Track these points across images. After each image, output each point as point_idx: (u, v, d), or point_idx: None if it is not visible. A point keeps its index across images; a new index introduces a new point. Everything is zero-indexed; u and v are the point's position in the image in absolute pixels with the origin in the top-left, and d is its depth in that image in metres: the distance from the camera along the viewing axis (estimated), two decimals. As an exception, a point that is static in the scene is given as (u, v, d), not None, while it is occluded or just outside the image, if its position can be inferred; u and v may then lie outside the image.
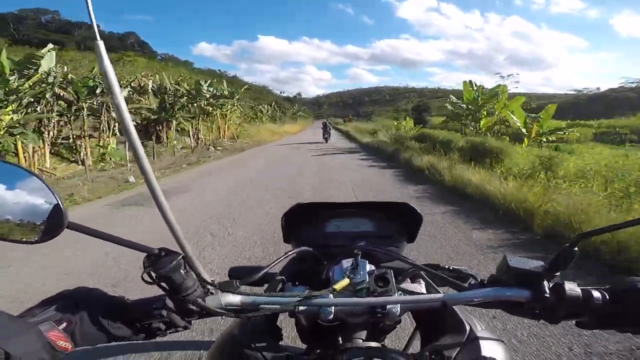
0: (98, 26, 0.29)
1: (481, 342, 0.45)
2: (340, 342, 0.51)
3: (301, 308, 0.45)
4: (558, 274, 0.43)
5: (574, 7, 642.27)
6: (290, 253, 0.57)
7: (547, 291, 0.42)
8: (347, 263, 0.50)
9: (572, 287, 0.42)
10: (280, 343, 0.50)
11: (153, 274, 0.39)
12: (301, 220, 0.66)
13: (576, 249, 0.41)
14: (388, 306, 0.44)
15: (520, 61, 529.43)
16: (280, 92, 70.66)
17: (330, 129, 15.49)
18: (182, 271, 0.40)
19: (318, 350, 0.56)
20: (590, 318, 0.42)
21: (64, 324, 0.36)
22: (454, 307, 0.49)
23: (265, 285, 0.56)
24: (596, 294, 0.41)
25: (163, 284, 0.39)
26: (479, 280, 0.49)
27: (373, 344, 0.49)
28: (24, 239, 0.34)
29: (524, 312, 0.45)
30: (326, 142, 14.39)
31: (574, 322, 0.43)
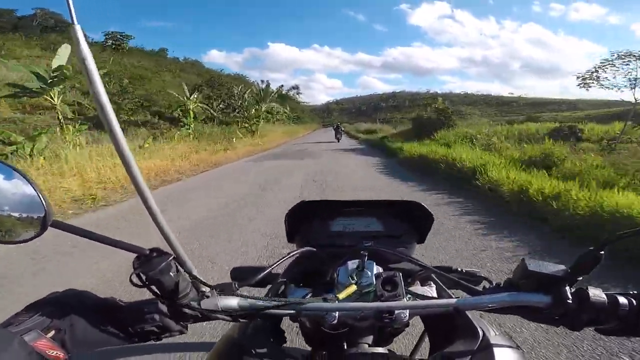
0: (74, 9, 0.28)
1: (495, 349, 0.45)
2: (345, 346, 0.53)
3: (304, 313, 0.47)
4: (581, 278, 0.44)
5: (594, 13, 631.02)
6: (293, 253, 0.58)
7: (570, 297, 0.43)
8: (352, 264, 0.52)
9: (597, 293, 0.42)
10: (283, 346, 0.52)
11: (143, 276, 0.39)
12: (306, 219, 0.68)
13: (603, 252, 0.41)
14: (396, 311, 0.45)
15: (536, 69, 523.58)
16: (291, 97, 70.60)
17: (342, 130, 21.85)
18: (172, 273, 0.40)
19: (324, 352, 0.55)
20: (614, 325, 0.43)
21: (53, 332, 0.36)
22: (467, 312, 0.49)
23: (268, 287, 0.57)
24: (622, 300, 0.42)
25: (153, 287, 0.40)
26: (494, 284, 0.51)
27: (379, 350, 0.51)
28: (8, 239, 0.35)
29: (542, 318, 0.46)
30: (338, 141, 19.93)
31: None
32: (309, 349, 0.59)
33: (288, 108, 37.71)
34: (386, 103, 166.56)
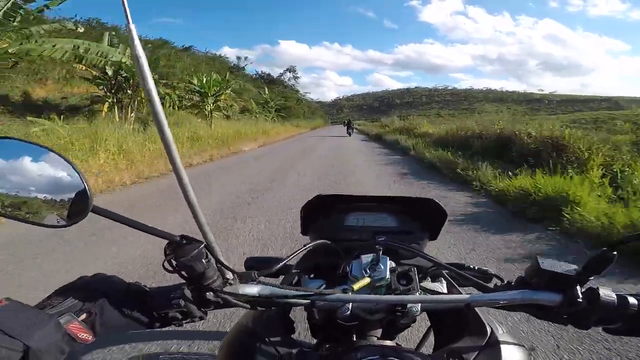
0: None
1: (502, 346, 0.48)
2: (354, 339, 0.57)
3: (318, 303, 0.50)
4: (592, 278, 0.46)
5: (614, 9, 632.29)
6: (309, 245, 0.61)
7: (580, 296, 0.45)
8: (366, 258, 0.54)
9: (607, 293, 0.45)
10: (291, 336, 0.55)
11: (174, 262, 0.42)
12: (320, 213, 0.71)
13: (615, 253, 0.43)
14: (409, 305, 0.49)
15: (554, 66, 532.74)
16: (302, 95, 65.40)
17: (353, 125, 25.19)
18: (203, 260, 0.43)
19: (327, 345, 0.62)
20: (623, 325, 0.45)
21: (84, 315, 0.39)
22: (476, 308, 0.53)
23: (281, 278, 0.61)
24: (632, 300, 0.44)
25: (183, 273, 0.43)
26: (505, 281, 0.54)
27: (388, 343, 0.55)
28: (49, 223, 0.37)
29: (552, 317, 0.49)
30: (350, 135, 22.72)
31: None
32: (315, 340, 0.64)
33: (267, 94, 30.75)
34: (400, 99, 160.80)
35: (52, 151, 0.38)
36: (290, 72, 53.35)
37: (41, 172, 0.37)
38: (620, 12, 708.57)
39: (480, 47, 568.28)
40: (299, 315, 0.64)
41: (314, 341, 0.65)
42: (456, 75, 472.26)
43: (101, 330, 0.40)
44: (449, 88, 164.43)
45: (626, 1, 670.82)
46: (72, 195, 0.37)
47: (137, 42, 0.32)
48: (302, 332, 0.65)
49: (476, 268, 0.61)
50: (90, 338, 0.38)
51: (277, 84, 46.43)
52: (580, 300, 0.45)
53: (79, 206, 0.37)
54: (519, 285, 0.51)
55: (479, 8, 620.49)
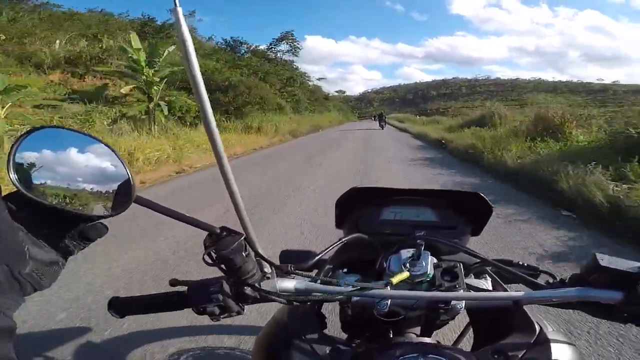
0: None
1: (552, 344, 0.49)
2: (391, 335, 0.59)
3: (356, 299, 0.52)
4: None
5: None
6: (345, 239, 0.63)
7: None
8: (406, 253, 0.56)
9: None
10: (324, 331, 0.56)
11: (213, 255, 0.44)
12: (356, 206, 0.73)
13: None
14: (452, 302, 0.50)
15: (597, 57, 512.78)
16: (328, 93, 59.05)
17: (385, 119, 25.58)
18: (243, 253, 0.45)
19: (358, 341, 0.62)
20: None
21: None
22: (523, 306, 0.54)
23: (314, 272, 0.62)
24: None
25: (223, 266, 0.45)
26: (558, 279, 0.56)
27: (427, 340, 0.56)
28: (95, 214, 0.37)
29: (610, 315, 0.49)
30: (382, 129, 22.85)
31: None
32: (345, 335, 0.65)
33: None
34: (437, 91, 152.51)
35: (98, 140, 0.40)
36: (287, 42, 33.61)
37: (87, 162, 0.39)
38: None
39: (517, 39, 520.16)
40: (329, 311, 0.67)
41: (344, 337, 0.66)
42: (491, 67, 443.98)
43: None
44: (491, 78, 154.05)
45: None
46: (116, 185, 0.39)
47: (183, 25, 0.33)
48: (334, 328, 0.67)
49: (525, 264, 0.62)
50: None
51: (262, 57, 28.93)
52: None
53: (122, 197, 0.38)
54: (574, 283, 0.52)
55: (514, 0, 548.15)
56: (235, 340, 1.68)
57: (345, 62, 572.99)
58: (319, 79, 46.40)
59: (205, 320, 0.50)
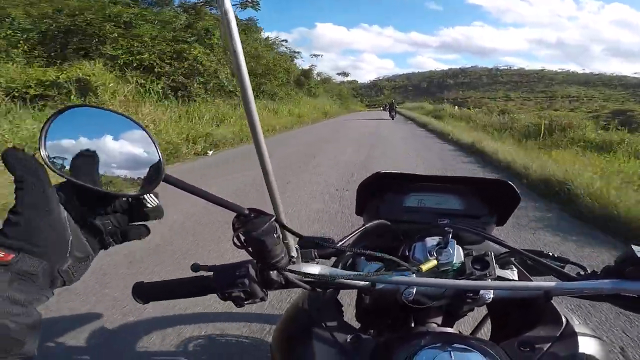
0: None
1: (580, 337, 0.49)
2: (413, 324, 0.60)
3: (380, 286, 0.53)
4: None
5: None
6: (368, 226, 0.63)
7: None
8: (432, 241, 0.56)
9: None
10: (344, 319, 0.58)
11: (242, 237, 0.43)
12: (377, 192, 0.73)
13: None
14: (481, 292, 0.50)
15: (622, 52, 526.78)
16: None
17: (396, 108, 23.13)
18: (274, 235, 0.44)
19: (372, 331, 0.66)
20: None
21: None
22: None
23: (333, 259, 0.62)
24: None
25: (251, 249, 0.44)
26: (590, 271, 0.55)
27: (450, 330, 0.56)
28: (125, 192, 0.40)
29: None
30: (392, 119, 21.26)
31: None
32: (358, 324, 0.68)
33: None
34: (454, 80, 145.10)
35: (127, 117, 0.41)
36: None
37: (121, 149, 0.40)
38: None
39: (537, 31, 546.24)
40: (341, 300, 0.66)
41: (358, 325, 0.68)
42: (507, 59, 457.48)
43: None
44: (514, 68, 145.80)
45: None
46: (147, 169, 0.40)
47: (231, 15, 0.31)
48: (346, 316, 0.63)
49: (555, 255, 0.60)
50: (2, 255, 0.32)
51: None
52: None
53: (152, 175, 0.40)
54: (608, 274, 0.51)
55: None
56: (253, 327, 1.71)
57: (356, 49, 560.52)
58: (295, 53, 32.15)
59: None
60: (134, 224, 0.41)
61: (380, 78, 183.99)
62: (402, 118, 23.00)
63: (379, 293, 0.55)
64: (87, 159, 0.37)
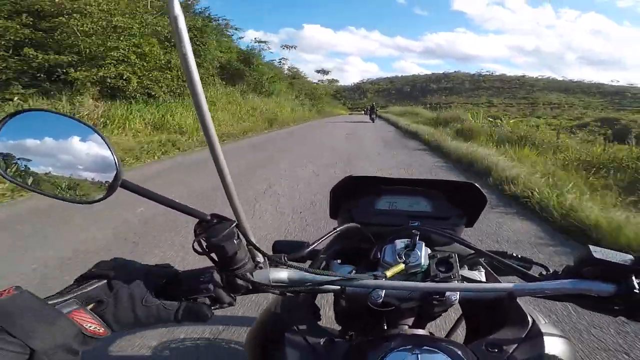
0: None
1: (545, 337, 0.51)
2: (385, 327, 0.61)
3: (350, 289, 0.53)
4: None
5: None
6: (339, 229, 0.64)
7: (637, 286, 0.47)
8: (401, 243, 0.58)
9: None
10: (318, 323, 0.58)
11: (204, 243, 0.44)
12: (350, 195, 0.75)
13: None
14: (447, 293, 0.52)
15: (595, 61, 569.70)
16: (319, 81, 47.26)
17: (376, 111, 22.54)
18: (235, 241, 0.45)
19: (351, 333, 0.67)
20: None
21: (93, 304, 0.39)
22: (517, 298, 0.58)
23: (308, 263, 0.64)
24: None
25: (213, 255, 0.45)
26: (552, 271, 0.57)
27: (421, 332, 0.58)
28: (79, 199, 0.40)
29: (602, 308, 0.52)
30: (373, 122, 20.63)
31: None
32: (339, 327, 0.69)
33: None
34: (437, 84, 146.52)
35: (83, 123, 0.41)
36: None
37: (76, 147, 0.39)
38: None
39: (518, 38, 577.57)
40: (322, 302, 0.67)
41: (338, 328, 0.69)
42: (488, 66, 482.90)
43: (115, 322, 0.41)
44: (495, 74, 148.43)
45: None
46: (103, 170, 0.40)
47: (176, 2, 0.33)
48: (326, 319, 0.67)
49: (519, 256, 0.63)
50: (101, 330, 0.38)
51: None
52: (637, 291, 0.47)
53: (109, 181, 0.40)
54: (568, 275, 0.54)
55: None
56: (227, 332, 1.70)
57: (342, 52, 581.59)
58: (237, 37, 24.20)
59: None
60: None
61: (364, 81, 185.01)
62: (393, 134, 13.76)
63: (350, 296, 0.56)
64: (46, 162, 0.38)
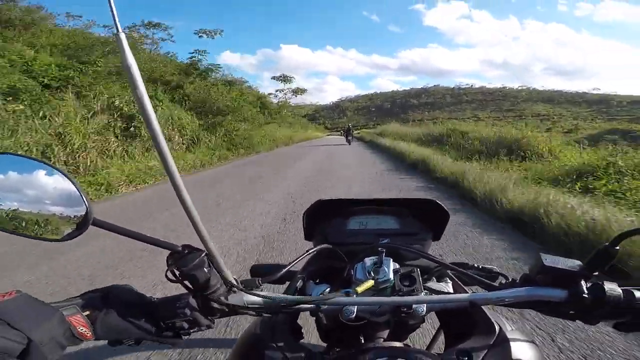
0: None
1: (512, 344, 0.54)
2: (362, 341, 0.66)
3: (323, 307, 0.57)
4: (596, 273, 0.52)
5: (625, 12, 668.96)
6: (312, 251, 0.69)
7: (585, 291, 0.51)
8: (370, 261, 0.61)
9: (612, 287, 0.50)
10: (301, 341, 0.61)
11: (176, 272, 0.49)
12: (323, 217, 0.81)
13: (618, 247, 0.50)
14: (414, 306, 0.55)
15: (560, 71, 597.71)
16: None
17: (353, 132, 22.04)
18: (205, 269, 0.49)
19: (338, 349, 0.70)
20: (632, 319, 0.51)
21: (88, 312, 0.45)
22: (482, 307, 0.60)
23: (287, 284, 0.68)
24: (639, 294, 0.50)
25: (186, 282, 0.49)
26: (511, 279, 0.61)
27: (396, 344, 0.61)
28: (50, 237, 0.42)
29: (558, 313, 0.55)
30: (349, 144, 20.00)
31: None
32: (325, 345, 0.72)
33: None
34: (417, 99, 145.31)
35: (50, 166, 0.43)
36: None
37: (43, 188, 0.41)
38: (626, 15, 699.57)
39: (487, 51, 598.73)
40: (310, 321, 0.71)
41: (325, 345, 0.73)
42: (462, 80, 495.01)
43: (102, 331, 0.46)
44: (476, 87, 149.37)
45: (637, 4, 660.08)
46: (73, 210, 0.42)
47: (127, 50, 0.35)
48: (314, 336, 0.72)
49: (481, 267, 0.68)
50: (89, 334, 0.43)
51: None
52: (586, 295, 0.50)
53: (80, 219, 0.42)
54: (524, 283, 0.57)
55: (485, 12, 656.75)
56: (209, 354, 1.79)
57: (320, 72, 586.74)
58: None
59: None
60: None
61: (343, 99, 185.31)
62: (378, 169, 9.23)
63: (326, 314, 0.61)
64: (11, 197, 0.40)
